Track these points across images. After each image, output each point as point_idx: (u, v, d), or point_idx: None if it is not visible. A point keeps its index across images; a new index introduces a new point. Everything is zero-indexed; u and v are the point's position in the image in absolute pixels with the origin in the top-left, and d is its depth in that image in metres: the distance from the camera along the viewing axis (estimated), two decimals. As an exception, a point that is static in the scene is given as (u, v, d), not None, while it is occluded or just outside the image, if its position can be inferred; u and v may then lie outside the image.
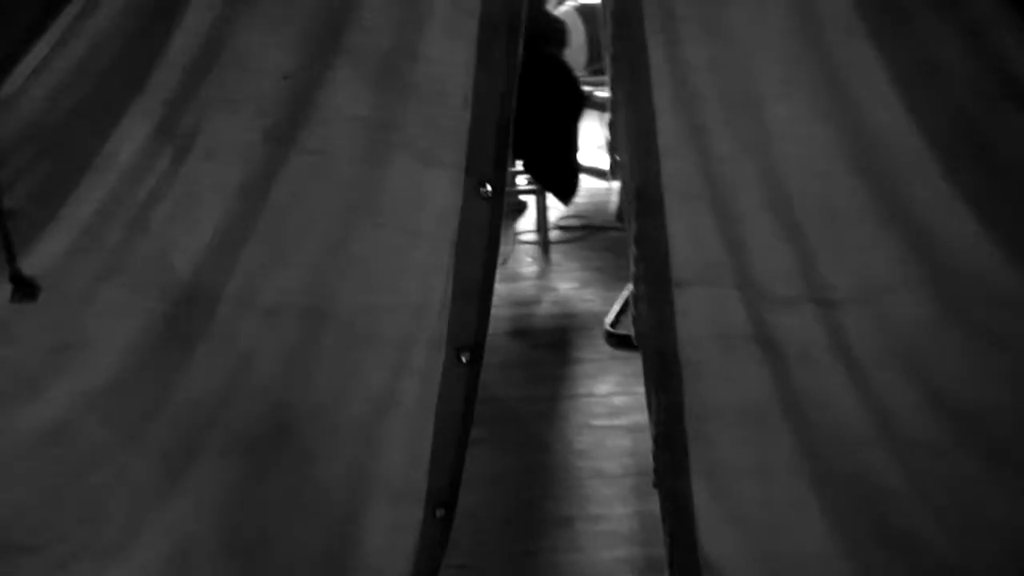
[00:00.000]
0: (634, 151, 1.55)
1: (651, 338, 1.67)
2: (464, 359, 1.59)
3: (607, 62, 1.54)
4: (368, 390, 1.64)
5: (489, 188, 1.54)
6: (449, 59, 1.50)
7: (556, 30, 4.60)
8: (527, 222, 5.84)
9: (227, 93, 1.45)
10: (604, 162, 6.23)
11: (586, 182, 5.89)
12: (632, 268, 1.65)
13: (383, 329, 1.63)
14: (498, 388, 3.72)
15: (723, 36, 1.50)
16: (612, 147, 1.51)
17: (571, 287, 4.98)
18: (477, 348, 1.61)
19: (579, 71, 5.66)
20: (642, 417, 3.74)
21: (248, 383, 1.67)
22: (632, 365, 3.95)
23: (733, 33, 1.50)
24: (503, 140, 1.55)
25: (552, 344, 4.35)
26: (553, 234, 5.50)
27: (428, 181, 1.57)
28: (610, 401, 3.74)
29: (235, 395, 1.66)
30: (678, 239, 1.61)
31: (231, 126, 1.46)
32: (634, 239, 1.61)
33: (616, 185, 5.85)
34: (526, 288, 5.02)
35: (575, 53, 5.71)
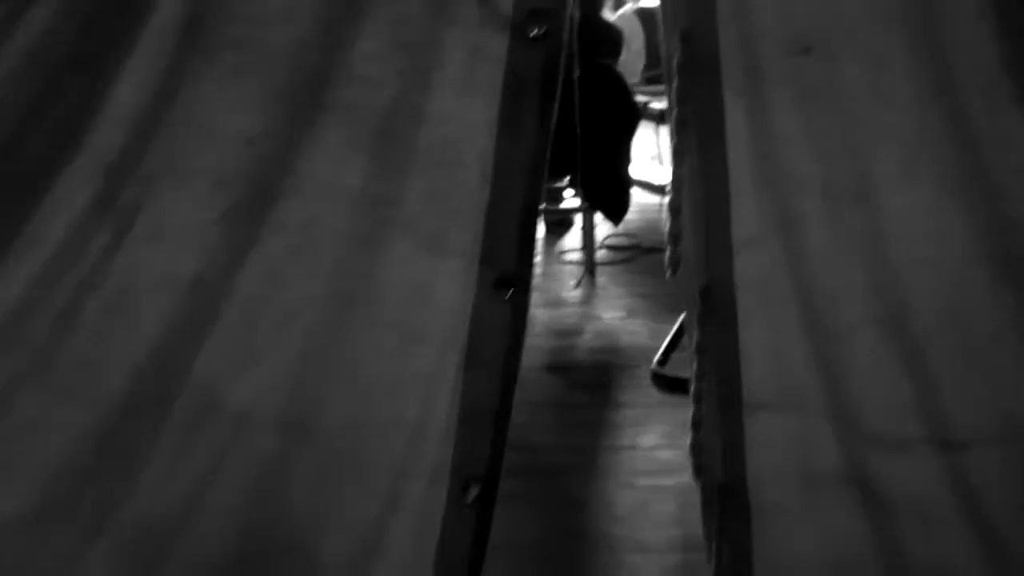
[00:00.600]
0: (702, 240, 1.19)
1: (714, 471, 1.31)
2: (471, 498, 1.25)
3: (671, 128, 1.16)
4: (353, 526, 1.31)
5: (510, 287, 1.19)
6: (464, 120, 1.15)
7: (610, 39, 4.21)
8: (572, 239, 5.49)
9: (177, 161, 1.13)
10: (656, 176, 5.83)
11: (637, 196, 5.50)
12: (692, 385, 1.29)
13: (373, 452, 1.30)
14: (531, 433, 3.39)
15: (826, 102, 1.12)
16: (674, 236, 1.15)
17: (616, 316, 4.62)
18: (489, 484, 1.27)
19: (635, 78, 5.27)
20: (690, 477, 3.38)
21: (210, 504, 1.35)
22: (681, 413, 3.57)
23: (840, 99, 1.12)
24: (530, 225, 1.19)
25: (593, 384, 4.00)
26: (599, 254, 5.14)
27: (434, 272, 1.22)
28: (655, 456, 3.38)
29: (194, 519, 1.35)
30: (754, 352, 1.24)
31: (181, 202, 1.14)
32: (696, 349, 1.26)
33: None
34: (568, 315, 4.67)
35: (633, 59, 5.32)
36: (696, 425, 1.30)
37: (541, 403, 3.61)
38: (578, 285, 4.76)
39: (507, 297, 1.21)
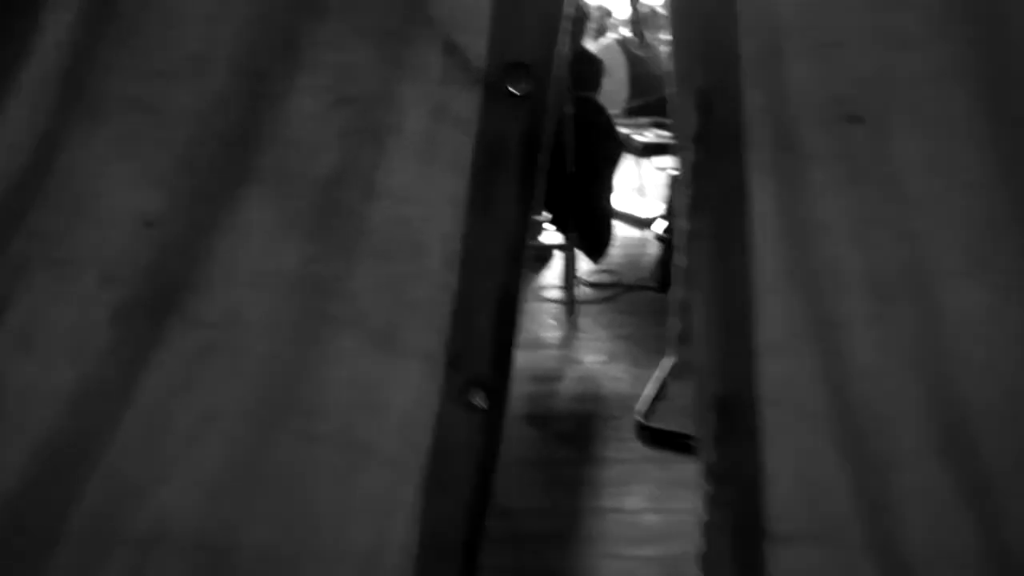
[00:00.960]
0: (716, 343, 0.98)
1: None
2: (433, 655, 1.02)
3: (682, 209, 0.94)
4: None
5: (483, 395, 0.97)
6: (425, 195, 0.93)
7: (590, 70, 4.03)
8: (551, 275, 5.29)
9: (55, 248, 0.89)
10: (639, 208, 5.66)
11: (619, 231, 5.31)
12: (704, 513, 1.07)
13: (313, 590, 1.06)
14: (506, 494, 3.14)
15: (875, 182, 0.90)
16: (683, 338, 0.93)
17: (598, 360, 4.40)
18: (455, 636, 1.04)
19: (618, 108, 5.10)
20: (678, 546, 3.13)
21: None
22: (667, 471, 3.37)
23: (892, 177, 0.89)
24: (507, 321, 0.97)
25: (573, 436, 3.77)
26: (580, 291, 4.93)
27: (387, 375, 0.99)
28: (640, 520, 3.15)
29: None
30: (779, 477, 1.02)
31: (61, 299, 0.90)
32: (709, 471, 1.04)
33: (652, 235, 5.30)
34: (547, 359, 4.45)
35: (615, 89, 5.15)
36: (707, 562, 1.07)
37: (516, 459, 3.37)
38: (568, 323, 4.55)
39: (479, 406, 0.98)
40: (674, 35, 0.91)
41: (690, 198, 0.90)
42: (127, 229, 0.88)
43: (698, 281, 0.94)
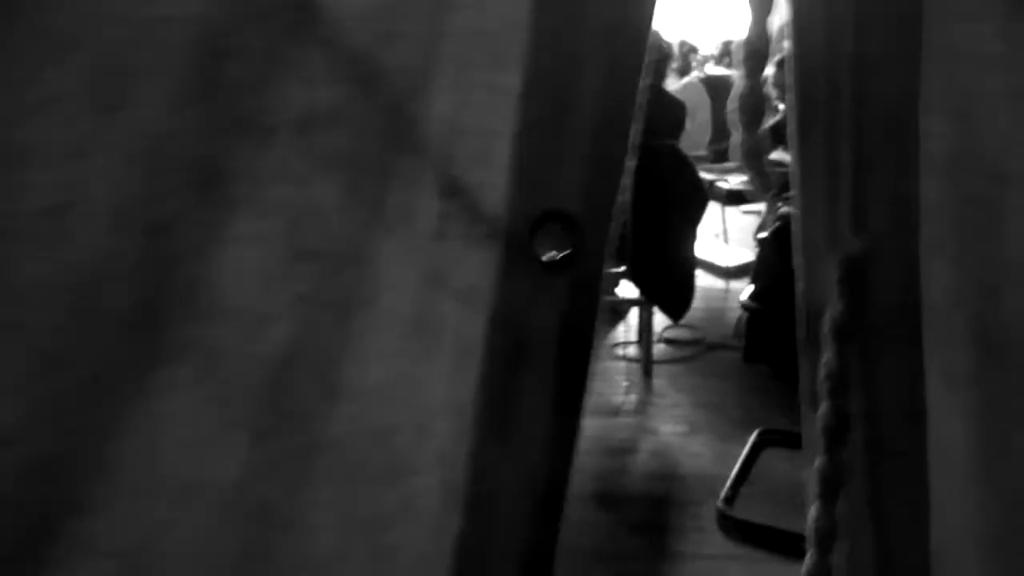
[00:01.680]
0: (874, 561, 0.63)
1: None
2: None
3: (815, 432, 0.59)
4: None
5: None
6: (412, 398, 0.61)
7: (672, 115, 3.68)
8: (625, 330, 4.96)
9: None
10: (722, 256, 5.26)
11: (700, 281, 4.96)
12: None
13: None
14: (568, 591, 2.79)
15: None
16: (823, 551, 0.60)
17: (675, 431, 4.02)
18: None
19: (700, 151, 4.74)
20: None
21: None
22: (754, 571, 2.99)
23: None
24: (537, 585, 0.65)
25: (646, 524, 3.40)
26: (657, 348, 4.57)
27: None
28: (722, 634, 2.75)
29: None
30: None
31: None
32: None
33: (736, 287, 4.89)
34: (619, 428, 4.09)
35: (698, 130, 4.79)
36: None
37: (579, 549, 3.04)
38: (643, 386, 4.20)
39: None
40: (801, 169, 0.56)
41: (827, 420, 0.56)
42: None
43: (841, 541, 0.60)
